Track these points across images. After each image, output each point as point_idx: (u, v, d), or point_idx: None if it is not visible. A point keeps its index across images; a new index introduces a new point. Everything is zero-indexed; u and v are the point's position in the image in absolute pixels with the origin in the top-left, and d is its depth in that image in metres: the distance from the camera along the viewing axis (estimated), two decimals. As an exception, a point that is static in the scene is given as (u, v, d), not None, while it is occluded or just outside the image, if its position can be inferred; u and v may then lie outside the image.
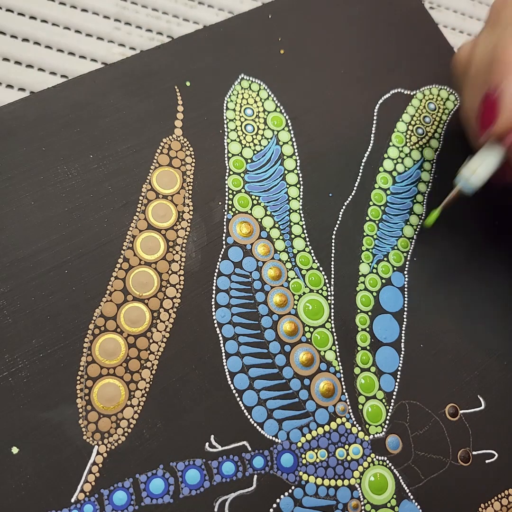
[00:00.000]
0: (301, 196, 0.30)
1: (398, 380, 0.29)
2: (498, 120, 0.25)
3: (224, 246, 0.28)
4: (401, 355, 0.29)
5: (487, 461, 0.29)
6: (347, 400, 0.28)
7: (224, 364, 0.26)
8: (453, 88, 0.35)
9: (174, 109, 0.29)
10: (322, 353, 0.28)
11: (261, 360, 0.27)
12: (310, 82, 0.32)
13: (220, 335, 0.27)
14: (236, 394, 0.26)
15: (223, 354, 0.27)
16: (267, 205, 0.30)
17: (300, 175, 0.31)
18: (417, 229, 0.32)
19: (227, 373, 0.26)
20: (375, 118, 0.33)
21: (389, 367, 0.29)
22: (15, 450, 0.23)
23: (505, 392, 0.30)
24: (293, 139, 0.31)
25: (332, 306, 0.29)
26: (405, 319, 0.30)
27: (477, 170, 0.26)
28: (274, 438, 0.26)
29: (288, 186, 0.30)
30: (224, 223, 0.28)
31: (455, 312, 0.31)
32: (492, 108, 0.25)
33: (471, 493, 0.28)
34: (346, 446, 0.27)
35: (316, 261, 0.29)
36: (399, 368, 0.29)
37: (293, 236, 0.29)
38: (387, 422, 0.28)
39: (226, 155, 0.30)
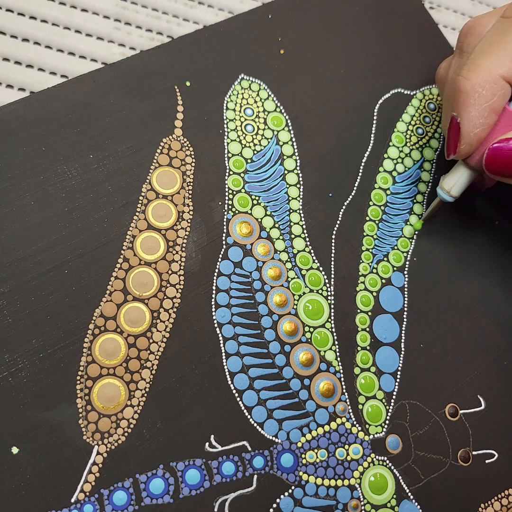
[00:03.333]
0: (301, 196, 0.30)
1: (398, 380, 0.29)
2: (459, 145, 0.27)
3: (224, 246, 0.28)
4: (401, 355, 0.29)
5: (487, 461, 0.29)
6: (347, 400, 0.28)
7: (224, 364, 0.26)
8: None
9: (174, 109, 0.29)
10: (322, 353, 0.28)
11: (261, 360, 0.27)
12: (310, 82, 0.32)
13: (220, 335, 0.27)
14: (236, 394, 0.26)
15: (223, 354, 0.27)
16: (267, 205, 0.30)
17: (300, 175, 0.31)
18: (417, 229, 0.32)
19: (227, 373, 0.26)
20: (375, 118, 0.33)
21: (389, 367, 0.29)
22: (15, 450, 0.23)
23: (505, 392, 0.30)
24: (293, 139, 0.31)
25: (332, 306, 0.29)
26: (405, 319, 0.30)
27: (455, 184, 0.29)
28: (274, 438, 0.26)
29: (288, 186, 0.30)
30: (224, 223, 0.28)
31: (455, 312, 0.31)
32: (456, 133, 0.27)
33: (471, 493, 0.28)
34: (346, 446, 0.27)
35: (316, 261, 0.29)
36: (399, 368, 0.29)
37: (293, 236, 0.29)
38: (387, 422, 0.28)
39: (226, 155, 0.30)
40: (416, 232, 0.32)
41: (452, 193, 0.29)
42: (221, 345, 0.27)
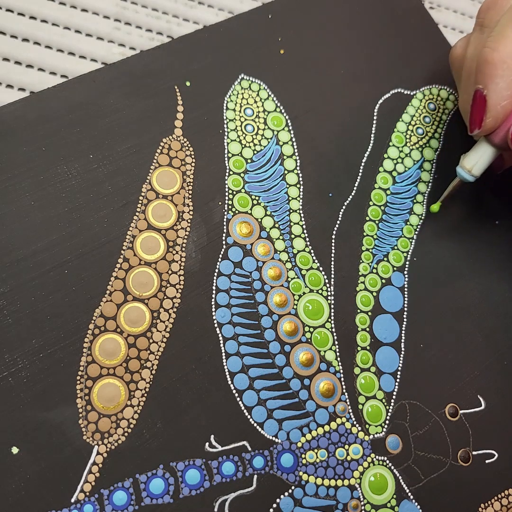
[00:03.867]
0: (301, 196, 0.30)
1: (398, 380, 0.29)
2: (484, 118, 0.26)
3: (224, 246, 0.28)
4: (401, 355, 0.29)
5: (487, 461, 0.29)
6: (347, 400, 0.28)
7: (224, 364, 0.26)
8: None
9: (174, 109, 0.29)
10: (322, 353, 0.28)
11: (261, 360, 0.27)
12: (310, 82, 0.32)
13: (220, 335, 0.27)
14: (236, 394, 0.26)
15: (223, 354, 0.27)
16: (267, 205, 0.30)
17: (300, 175, 0.31)
18: (417, 229, 0.32)
19: (227, 373, 0.26)
20: (375, 118, 0.33)
21: (389, 367, 0.29)
22: (15, 450, 0.23)
23: (505, 392, 0.30)
24: (293, 139, 0.31)
25: (332, 306, 0.29)
26: (405, 319, 0.30)
27: (477, 163, 0.28)
28: (274, 438, 0.26)
29: (288, 186, 0.30)
30: (224, 223, 0.28)
31: (455, 312, 0.31)
32: (481, 106, 0.26)
33: (471, 493, 0.28)
34: (346, 446, 0.27)
35: (316, 261, 0.29)
36: (399, 368, 0.29)
37: (293, 236, 0.29)
38: (387, 422, 0.28)
39: (226, 155, 0.30)
40: (416, 232, 0.32)
41: (474, 172, 0.28)
42: (221, 345, 0.27)
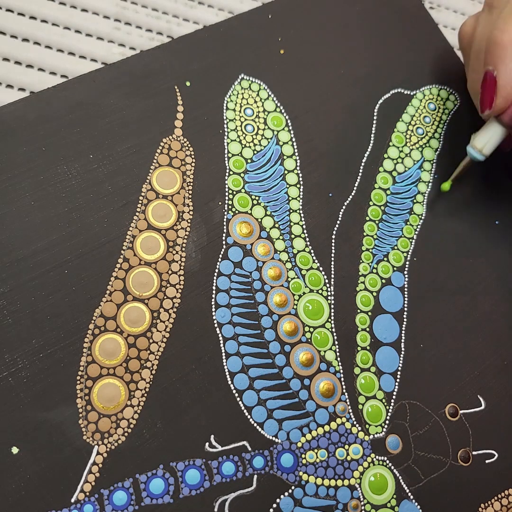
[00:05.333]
0: (301, 196, 0.30)
1: (398, 380, 0.29)
2: (495, 99, 0.27)
3: (224, 246, 0.28)
4: (401, 355, 0.29)
5: (487, 461, 0.29)
6: (347, 400, 0.28)
7: (224, 364, 0.26)
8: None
9: (174, 109, 0.29)
10: (322, 353, 0.28)
11: (261, 360, 0.27)
12: (310, 82, 0.32)
13: (220, 335, 0.27)
14: (236, 394, 0.26)
15: (223, 354, 0.27)
16: (267, 205, 0.30)
17: (300, 175, 0.31)
18: (417, 229, 0.32)
19: (227, 373, 0.26)
20: (375, 118, 0.33)
21: (389, 367, 0.29)
22: (15, 450, 0.23)
23: (505, 392, 0.30)
24: (293, 139, 0.31)
25: (332, 306, 0.29)
26: (405, 319, 0.30)
27: (487, 143, 0.29)
28: (274, 438, 0.26)
29: (288, 186, 0.30)
30: (224, 223, 0.28)
31: (455, 312, 0.31)
32: (491, 87, 0.27)
33: (471, 493, 0.28)
34: (346, 446, 0.27)
35: (316, 261, 0.29)
36: (399, 368, 0.29)
37: (293, 236, 0.29)
38: (387, 422, 0.28)
39: (226, 155, 0.30)
40: (416, 232, 0.32)
41: (484, 151, 0.29)
42: (221, 345, 0.27)
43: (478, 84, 0.28)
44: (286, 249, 0.29)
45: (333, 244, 0.30)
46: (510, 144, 0.32)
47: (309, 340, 0.28)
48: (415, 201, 0.32)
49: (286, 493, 0.26)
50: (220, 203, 0.29)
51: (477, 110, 0.30)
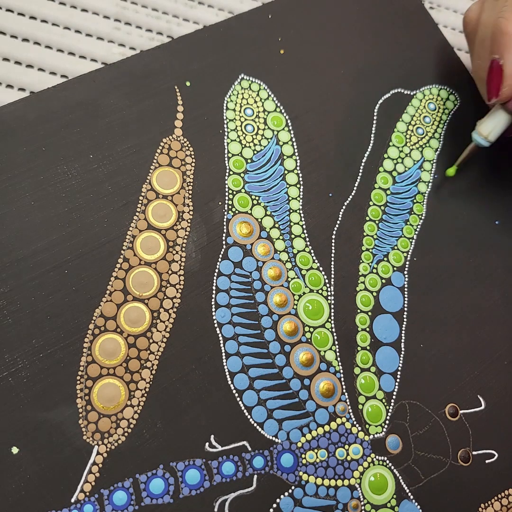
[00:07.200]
0: (301, 196, 0.30)
1: (398, 380, 0.29)
2: (502, 87, 0.27)
3: (224, 246, 0.28)
4: (401, 355, 0.29)
5: (487, 461, 0.29)
6: (347, 400, 0.28)
7: (224, 364, 0.26)
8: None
9: (174, 109, 0.29)
10: (322, 353, 0.28)
11: (261, 360, 0.27)
12: (310, 82, 0.32)
13: (220, 335, 0.27)
14: (236, 394, 0.26)
15: (223, 354, 0.27)
16: (267, 205, 0.30)
17: (300, 175, 0.31)
18: (417, 229, 0.32)
19: (227, 373, 0.26)
20: (375, 118, 0.33)
21: (389, 367, 0.29)
22: (15, 450, 0.23)
23: (505, 392, 0.30)
24: (293, 139, 0.31)
25: (332, 306, 0.29)
26: (405, 319, 0.30)
27: (493, 129, 0.29)
28: (274, 438, 0.26)
29: (288, 186, 0.30)
30: (224, 223, 0.28)
31: (455, 312, 0.31)
32: (497, 76, 0.27)
33: (471, 493, 0.28)
34: (346, 446, 0.27)
35: (316, 261, 0.29)
36: (399, 368, 0.29)
37: (293, 236, 0.29)
38: (387, 422, 0.28)
39: (226, 155, 0.30)
40: (416, 232, 0.32)
41: (490, 138, 0.30)
42: (221, 345, 0.27)
43: (483, 70, 0.28)
44: (286, 249, 0.29)
45: (333, 244, 0.30)
46: None
47: (309, 340, 0.28)
48: (415, 201, 0.32)
49: (286, 493, 0.26)
50: (220, 203, 0.29)
51: (476, 110, 0.30)
